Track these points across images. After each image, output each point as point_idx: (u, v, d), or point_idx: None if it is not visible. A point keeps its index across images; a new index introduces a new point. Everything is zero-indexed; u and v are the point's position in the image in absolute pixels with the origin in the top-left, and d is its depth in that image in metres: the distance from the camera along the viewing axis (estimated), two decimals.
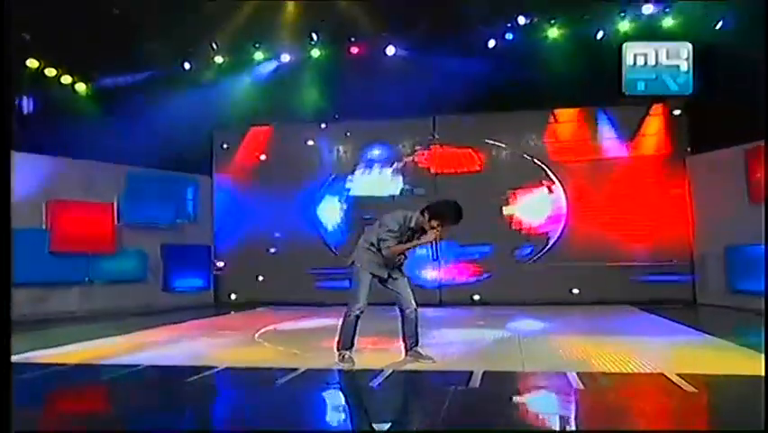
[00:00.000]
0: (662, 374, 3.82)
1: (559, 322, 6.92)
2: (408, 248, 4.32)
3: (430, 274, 9.58)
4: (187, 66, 9.84)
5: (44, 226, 8.42)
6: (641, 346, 5.29)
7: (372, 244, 4.32)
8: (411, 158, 10.07)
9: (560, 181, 9.51)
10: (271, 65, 10.05)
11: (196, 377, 4.06)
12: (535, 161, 9.60)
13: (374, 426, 3.13)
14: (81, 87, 9.61)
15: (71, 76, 9.41)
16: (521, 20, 8.99)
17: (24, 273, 7.12)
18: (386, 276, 4.36)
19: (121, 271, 9.20)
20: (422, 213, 4.25)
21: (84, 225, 8.78)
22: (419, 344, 4.44)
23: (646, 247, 8.98)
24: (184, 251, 10.06)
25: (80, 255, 8.70)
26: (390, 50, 9.57)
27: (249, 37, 9.62)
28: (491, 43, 9.21)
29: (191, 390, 3.86)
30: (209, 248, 10.50)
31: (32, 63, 8.72)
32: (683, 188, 9.07)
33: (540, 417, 3.24)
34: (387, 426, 3.09)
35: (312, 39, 9.70)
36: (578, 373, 3.85)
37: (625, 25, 8.51)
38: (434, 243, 4.34)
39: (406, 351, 4.43)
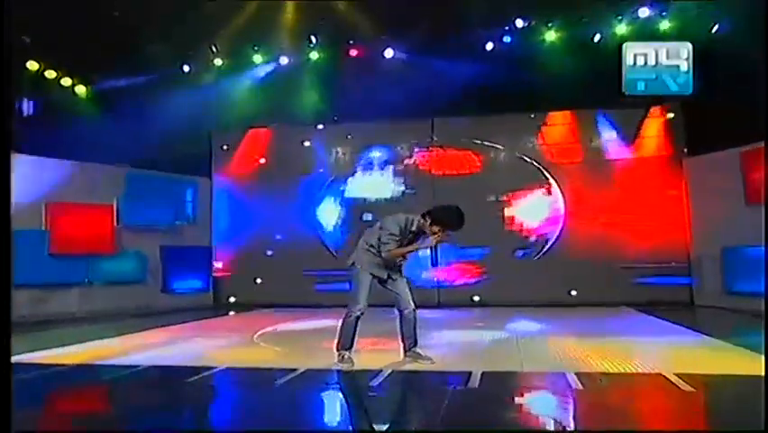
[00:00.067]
0: (661, 374, 3.85)
1: (557, 323, 6.94)
2: (408, 251, 4.34)
3: (428, 276, 9.59)
4: (186, 68, 9.87)
5: (44, 228, 8.43)
6: (639, 347, 5.33)
7: (372, 246, 4.34)
8: (410, 160, 10.10)
9: (557, 183, 9.53)
10: (270, 67, 10.08)
11: (196, 377, 4.08)
12: (533, 163, 9.63)
13: (374, 425, 3.15)
14: (81, 90, 9.64)
15: (71, 78, 9.44)
16: (519, 23, 9.04)
17: (24, 275, 7.13)
18: (385, 277, 4.38)
19: (120, 272, 9.20)
20: (423, 217, 4.26)
21: (83, 226, 8.78)
22: (418, 344, 4.46)
23: (644, 249, 9.00)
24: (183, 252, 10.06)
25: (80, 257, 8.71)
26: (389, 53, 9.61)
27: (248, 39, 9.66)
28: (489, 46, 9.25)
29: (191, 390, 3.87)
30: (208, 250, 10.51)
31: (33, 65, 8.76)
32: (680, 189, 9.10)
33: (539, 417, 3.26)
34: (386, 425, 3.11)
35: (311, 41, 9.74)
36: (576, 374, 3.88)
37: (622, 28, 8.56)
38: (433, 247, 4.35)
39: (405, 351, 4.44)
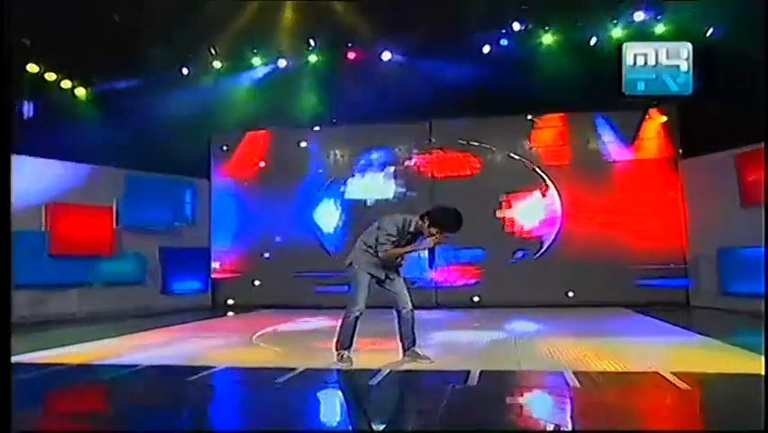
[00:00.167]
0: (657, 373, 3.87)
1: (554, 324, 6.97)
2: (406, 252, 4.35)
3: (426, 277, 9.62)
4: (185, 71, 9.90)
5: (44, 229, 8.45)
6: (636, 346, 5.36)
7: (370, 247, 4.35)
8: (408, 162, 10.13)
9: (554, 185, 9.57)
10: (269, 70, 10.12)
11: (195, 377, 4.09)
12: (530, 165, 9.67)
13: (373, 424, 3.17)
14: (81, 92, 9.65)
15: (71, 80, 9.46)
16: (516, 26, 9.09)
17: (24, 275, 7.16)
18: (383, 277, 4.40)
19: (120, 273, 9.22)
20: (422, 218, 4.28)
21: (83, 227, 8.81)
22: (416, 344, 4.48)
23: (641, 250, 9.04)
24: (182, 254, 10.09)
25: (79, 258, 8.73)
26: (386, 56, 9.67)
27: (247, 42, 9.70)
28: (486, 49, 9.30)
29: (191, 389, 3.89)
30: (207, 251, 10.52)
31: (33, 68, 8.77)
32: (677, 191, 9.15)
33: (537, 415, 3.27)
34: (385, 424, 3.13)
35: (309, 44, 9.78)
36: (574, 372, 3.90)
37: (618, 31, 8.62)
38: (431, 249, 4.36)
39: (404, 351, 4.46)
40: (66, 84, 9.41)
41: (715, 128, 8.22)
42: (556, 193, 9.57)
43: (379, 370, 4.09)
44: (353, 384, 4.03)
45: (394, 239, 4.27)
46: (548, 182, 9.62)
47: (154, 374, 4.44)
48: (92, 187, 9.04)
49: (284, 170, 10.44)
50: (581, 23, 8.82)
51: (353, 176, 10.28)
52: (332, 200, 10.33)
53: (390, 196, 10.02)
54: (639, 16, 8.49)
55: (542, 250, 9.54)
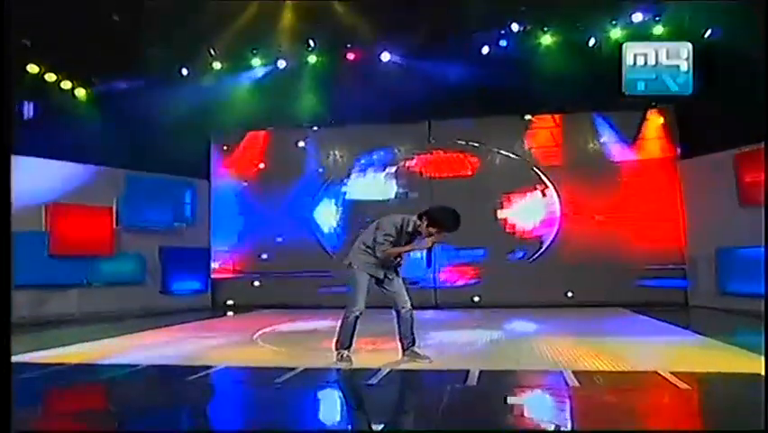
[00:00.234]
0: (657, 372, 3.88)
1: (553, 324, 6.98)
2: (404, 252, 4.37)
3: (425, 277, 9.63)
4: (184, 71, 9.92)
5: (44, 229, 8.47)
6: (635, 346, 5.37)
7: (369, 247, 4.37)
8: (407, 162, 10.15)
9: (553, 185, 9.59)
10: (269, 70, 10.14)
11: (195, 376, 4.10)
12: (529, 165, 9.68)
13: (372, 423, 3.18)
14: (81, 92, 9.66)
15: (71, 81, 9.47)
16: (514, 27, 9.11)
17: (24, 276, 7.14)
18: (382, 276, 4.41)
19: (119, 273, 9.24)
20: (420, 218, 4.29)
21: (83, 228, 8.82)
22: (416, 343, 4.49)
23: (639, 250, 9.05)
24: (182, 254, 10.10)
25: (79, 258, 8.74)
26: (386, 57, 9.69)
27: (246, 43, 9.72)
28: (485, 50, 9.32)
29: (190, 388, 3.90)
30: (207, 251, 10.53)
31: (33, 68, 8.78)
32: (675, 191, 9.17)
33: (536, 414, 3.28)
34: (385, 423, 3.14)
35: (309, 45, 9.80)
36: (573, 372, 3.91)
37: (616, 33, 8.64)
38: (429, 248, 4.36)
39: (403, 351, 4.47)
40: (66, 84, 9.42)
41: (713, 129, 8.26)
42: (555, 193, 9.58)
43: (379, 369, 4.10)
44: (353, 384, 4.04)
45: (392, 239, 4.28)
46: (547, 182, 9.63)
47: (154, 374, 4.45)
48: (92, 187, 9.05)
49: (284, 171, 10.46)
50: (580, 24, 8.85)
51: (353, 176, 10.29)
52: (332, 200, 10.34)
53: (389, 196, 10.03)
54: (638, 17, 8.51)
55: (541, 250, 9.54)
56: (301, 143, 10.54)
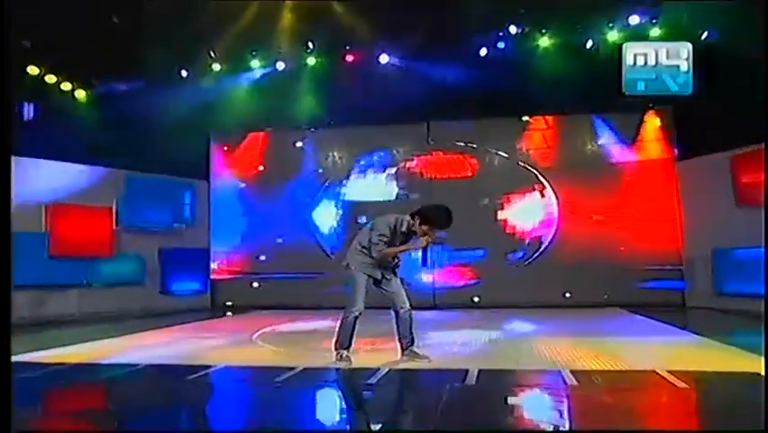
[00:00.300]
0: (654, 371, 3.90)
1: (552, 324, 7.01)
2: (399, 251, 4.38)
3: (424, 278, 9.66)
4: (184, 73, 9.95)
5: (44, 230, 8.48)
6: (632, 346, 5.39)
7: (365, 247, 4.39)
8: (406, 163, 10.17)
9: (551, 186, 9.62)
10: (268, 72, 10.17)
11: (194, 376, 4.12)
12: (527, 166, 9.72)
13: (372, 422, 3.19)
14: (81, 94, 9.68)
15: (71, 82, 9.49)
16: (512, 29, 9.16)
17: (24, 276, 7.18)
18: (379, 277, 4.43)
19: (119, 274, 9.25)
20: (412, 217, 4.32)
21: (83, 228, 8.84)
22: (415, 343, 4.50)
23: (637, 251, 9.08)
24: (181, 255, 10.11)
25: (79, 259, 8.76)
26: (384, 58, 9.72)
27: (246, 45, 9.75)
28: (483, 52, 9.37)
29: (190, 388, 3.91)
30: (206, 252, 10.55)
31: (33, 70, 8.80)
32: (673, 192, 9.20)
33: (535, 413, 3.29)
34: (384, 422, 3.15)
35: (308, 47, 9.84)
36: (572, 371, 3.93)
37: (614, 35, 8.69)
38: (425, 247, 4.37)
39: (402, 351, 4.49)
40: (66, 86, 9.44)
41: (710, 130, 8.30)
42: (553, 194, 9.61)
43: (378, 369, 4.12)
44: (352, 383, 4.05)
45: (386, 239, 4.31)
46: (545, 183, 9.65)
47: (154, 373, 4.46)
48: (92, 188, 9.08)
49: (283, 172, 10.48)
50: (578, 26, 8.89)
51: (352, 177, 10.31)
52: (331, 202, 10.37)
53: (389, 197, 10.05)
54: (635, 20, 8.55)
55: (539, 251, 9.57)
56: (300, 145, 10.57)
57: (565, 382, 3.70)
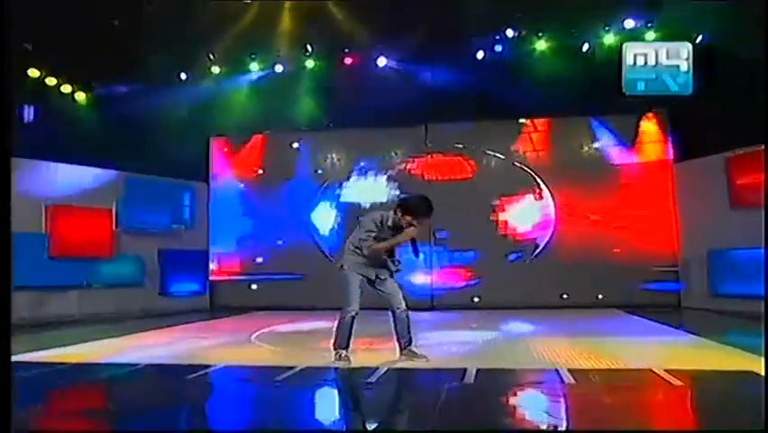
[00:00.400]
0: (651, 370, 3.92)
1: (549, 324, 7.04)
2: (388, 246, 4.37)
3: (421, 279, 9.70)
4: (183, 76, 9.99)
5: (44, 231, 8.50)
6: (629, 345, 5.41)
7: (357, 247, 4.43)
8: (405, 165, 10.21)
9: (548, 188, 9.66)
10: (267, 75, 10.21)
11: (194, 375, 4.13)
12: (524, 168, 9.76)
13: (371, 420, 3.21)
14: (81, 96, 9.72)
15: (71, 85, 9.52)
16: (509, 32, 9.23)
17: (24, 277, 7.20)
18: (373, 277, 4.45)
19: (119, 275, 9.27)
20: (395, 211, 4.36)
21: (83, 229, 8.85)
22: (413, 343, 4.53)
23: (634, 253, 9.12)
24: (181, 256, 10.14)
25: (79, 260, 8.77)
26: (382, 61, 9.78)
27: (245, 48, 9.80)
28: (480, 55, 9.43)
29: (190, 387, 3.93)
30: (205, 253, 10.57)
31: (33, 72, 8.83)
32: (668, 194, 9.25)
33: (533, 411, 3.30)
34: (384, 420, 3.17)
35: (307, 50, 9.89)
36: (569, 370, 3.95)
37: (610, 38, 8.76)
38: (413, 240, 4.38)
39: (401, 351, 4.51)
40: (66, 88, 9.47)
41: (706, 132, 8.36)
42: (550, 196, 9.66)
43: (377, 368, 4.14)
44: (351, 382, 4.07)
45: (374, 234, 4.33)
46: (542, 185, 9.70)
47: (153, 373, 4.47)
48: (92, 189, 9.09)
49: (282, 174, 10.51)
50: (574, 29, 8.97)
51: (350, 179, 10.35)
52: (328, 203, 10.40)
53: (387, 199, 10.08)
54: (630, 24, 8.63)
55: (536, 252, 9.61)
56: (299, 147, 10.60)
57: (563, 381, 3.72)
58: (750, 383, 3.52)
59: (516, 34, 9.23)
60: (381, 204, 9.95)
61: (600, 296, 9.09)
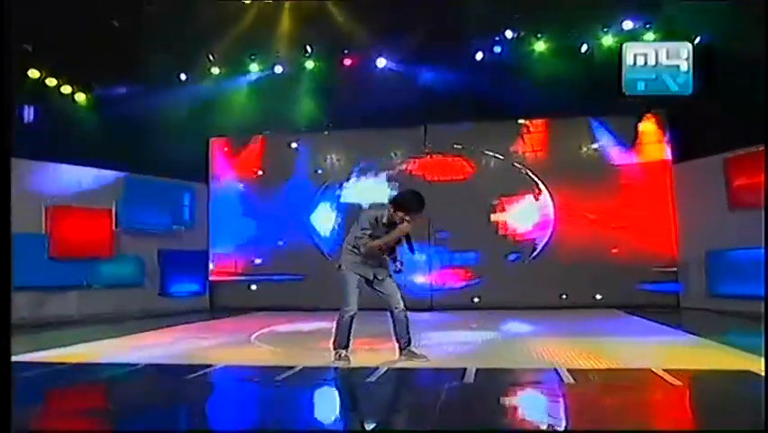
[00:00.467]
0: (650, 370, 3.93)
1: (548, 325, 7.05)
2: (384, 242, 4.36)
3: (420, 279, 9.70)
4: (183, 77, 10.00)
5: (44, 232, 8.50)
6: (628, 345, 5.43)
7: (354, 247, 4.44)
8: (405, 165, 10.23)
9: (547, 189, 9.67)
10: (266, 76, 10.22)
11: (194, 375, 4.14)
12: (523, 168, 9.78)
13: (371, 420, 3.22)
14: (81, 97, 9.72)
15: (71, 86, 9.53)
16: (508, 33, 9.25)
17: (24, 277, 7.19)
18: (371, 277, 4.46)
19: (119, 275, 9.27)
20: (389, 208, 4.37)
21: (83, 230, 8.86)
22: (412, 343, 4.54)
23: (633, 253, 9.13)
24: (180, 256, 10.14)
25: (79, 260, 8.78)
26: (381, 62, 9.79)
27: (245, 48, 9.82)
28: (479, 56, 9.45)
29: (190, 387, 3.94)
30: (205, 254, 10.58)
31: (33, 73, 8.84)
32: (667, 195, 9.27)
33: (532, 410, 3.32)
34: (384, 419, 3.18)
35: (306, 51, 9.91)
36: (568, 369, 3.96)
37: (608, 39, 8.78)
38: (407, 236, 4.38)
39: (400, 351, 4.51)
40: (66, 89, 9.47)
41: (705, 133, 8.37)
42: (549, 196, 9.67)
43: (377, 368, 4.14)
44: (351, 382, 4.08)
45: (369, 232, 4.35)
46: (541, 186, 9.72)
47: (153, 373, 4.48)
48: (92, 190, 9.11)
49: (281, 175, 10.52)
50: (573, 30, 8.99)
51: (350, 180, 10.36)
52: (328, 204, 10.41)
53: (386, 200, 10.08)
54: (628, 25, 8.65)
55: (535, 253, 9.62)
56: (299, 148, 10.61)
57: (562, 380, 3.73)
58: (749, 383, 3.54)
59: (515, 35, 9.26)
60: (381, 205, 9.96)
61: (599, 296, 9.12)
